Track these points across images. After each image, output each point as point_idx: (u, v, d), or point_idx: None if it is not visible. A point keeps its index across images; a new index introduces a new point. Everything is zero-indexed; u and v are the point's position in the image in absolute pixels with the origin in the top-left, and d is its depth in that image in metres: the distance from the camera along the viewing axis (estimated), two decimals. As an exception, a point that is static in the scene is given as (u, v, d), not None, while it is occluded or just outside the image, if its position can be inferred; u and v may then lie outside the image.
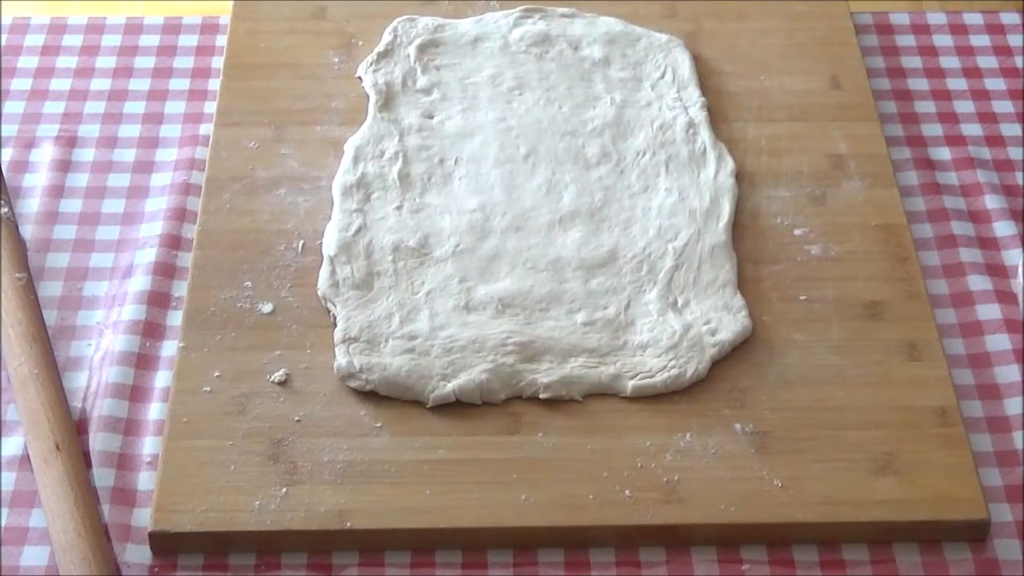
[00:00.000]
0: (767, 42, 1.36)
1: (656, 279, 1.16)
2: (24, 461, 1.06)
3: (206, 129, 1.29)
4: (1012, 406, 1.11)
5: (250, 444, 1.06)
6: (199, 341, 1.11)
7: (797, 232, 1.20)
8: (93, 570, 0.98)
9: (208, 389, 1.09)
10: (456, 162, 1.24)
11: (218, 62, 1.35)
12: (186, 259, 1.19)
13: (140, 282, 1.17)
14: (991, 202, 1.25)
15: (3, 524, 1.03)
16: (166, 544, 1.02)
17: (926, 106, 1.34)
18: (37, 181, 1.26)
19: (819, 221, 1.21)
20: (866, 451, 1.06)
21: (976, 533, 1.03)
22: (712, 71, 1.33)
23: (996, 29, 1.41)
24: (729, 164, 1.24)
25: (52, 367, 1.11)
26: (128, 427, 1.09)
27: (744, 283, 1.16)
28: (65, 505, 1.01)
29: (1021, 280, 1.17)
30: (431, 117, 1.28)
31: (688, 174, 1.23)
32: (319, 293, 1.14)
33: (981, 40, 1.40)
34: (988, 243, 1.22)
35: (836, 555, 1.03)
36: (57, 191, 1.25)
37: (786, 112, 1.30)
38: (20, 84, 1.34)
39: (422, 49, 1.33)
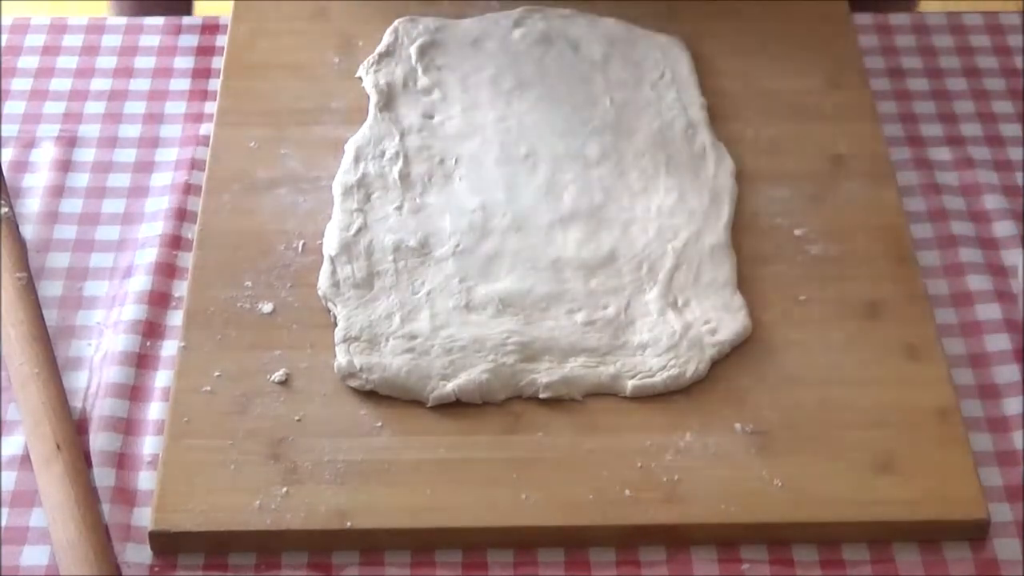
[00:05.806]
0: (767, 42, 1.36)
1: (656, 279, 1.16)
2: (24, 461, 1.06)
3: (206, 129, 1.29)
4: (1012, 406, 1.11)
5: (250, 444, 1.05)
6: (199, 341, 1.11)
7: (797, 232, 1.20)
8: (93, 570, 0.98)
9: (208, 389, 1.09)
10: (456, 162, 1.24)
11: (218, 62, 1.34)
12: (186, 259, 1.19)
13: (140, 282, 1.17)
14: (991, 202, 1.25)
15: (3, 524, 1.03)
16: (166, 544, 1.02)
17: (926, 106, 1.34)
18: (37, 181, 1.25)
19: (819, 221, 1.21)
20: (866, 451, 1.06)
21: (976, 533, 1.03)
22: (712, 71, 1.33)
23: (996, 29, 1.41)
24: (729, 164, 1.24)
25: (52, 367, 1.10)
26: (128, 427, 1.09)
27: (744, 283, 1.16)
28: (66, 505, 1.01)
29: (1021, 280, 1.17)
30: (431, 117, 1.28)
31: (688, 174, 1.23)
32: (319, 293, 1.14)
33: (981, 40, 1.40)
34: (988, 243, 1.22)
35: (836, 555, 1.03)
36: (57, 191, 1.25)
37: (786, 112, 1.30)
38: (20, 84, 1.34)
39: (423, 50, 1.33)
